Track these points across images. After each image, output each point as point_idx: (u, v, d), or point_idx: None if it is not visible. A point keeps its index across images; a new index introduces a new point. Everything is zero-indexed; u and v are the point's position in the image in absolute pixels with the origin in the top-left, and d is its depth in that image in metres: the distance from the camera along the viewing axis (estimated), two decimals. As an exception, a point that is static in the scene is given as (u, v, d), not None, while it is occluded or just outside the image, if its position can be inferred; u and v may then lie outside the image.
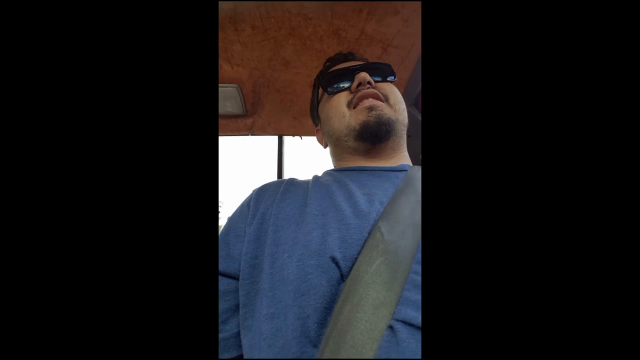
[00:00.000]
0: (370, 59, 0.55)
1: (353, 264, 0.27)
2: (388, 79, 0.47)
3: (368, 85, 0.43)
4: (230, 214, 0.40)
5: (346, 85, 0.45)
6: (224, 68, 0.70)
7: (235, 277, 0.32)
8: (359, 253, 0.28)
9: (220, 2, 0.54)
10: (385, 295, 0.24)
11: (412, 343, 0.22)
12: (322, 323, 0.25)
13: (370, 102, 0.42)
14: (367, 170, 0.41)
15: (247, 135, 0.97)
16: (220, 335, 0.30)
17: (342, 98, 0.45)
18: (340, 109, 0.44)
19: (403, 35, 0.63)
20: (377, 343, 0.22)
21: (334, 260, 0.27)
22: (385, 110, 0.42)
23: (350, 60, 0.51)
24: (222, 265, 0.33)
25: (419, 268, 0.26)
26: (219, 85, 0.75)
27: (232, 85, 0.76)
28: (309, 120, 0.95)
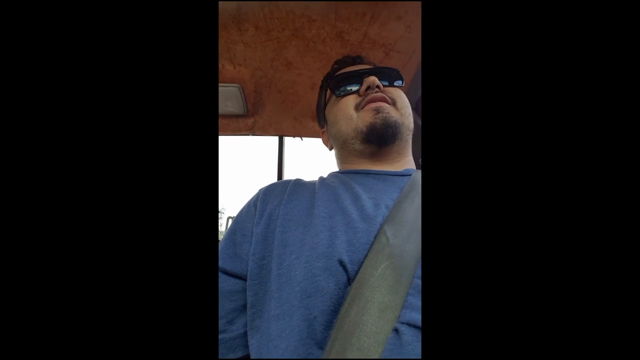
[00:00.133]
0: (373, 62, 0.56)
1: (359, 268, 0.28)
2: (395, 83, 0.47)
3: (376, 89, 0.44)
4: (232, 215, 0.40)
5: (354, 88, 0.45)
6: (226, 68, 0.70)
7: (243, 278, 0.32)
8: (365, 257, 0.28)
9: (223, 2, 0.54)
10: (390, 299, 0.25)
11: (417, 345, 0.22)
12: (329, 325, 0.25)
13: (377, 104, 0.42)
14: (372, 173, 0.42)
15: (248, 135, 0.97)
16: (227, 336, 0.30)
17: (350, 101, 0.45)
18: (348, 111, 0.44)
19: (405, 40, 0.64)
20: (383, 345, 0.23)
21: (341, 263, 0.28)
22: (392, 113, 0.42)
23: (358, 63, 0.51)
24: (229, 265, 0.33)
25: None
26: (221, 84, 0.75)
27: (234, 85, 0.75)
28: (310, 122, 0.95)
